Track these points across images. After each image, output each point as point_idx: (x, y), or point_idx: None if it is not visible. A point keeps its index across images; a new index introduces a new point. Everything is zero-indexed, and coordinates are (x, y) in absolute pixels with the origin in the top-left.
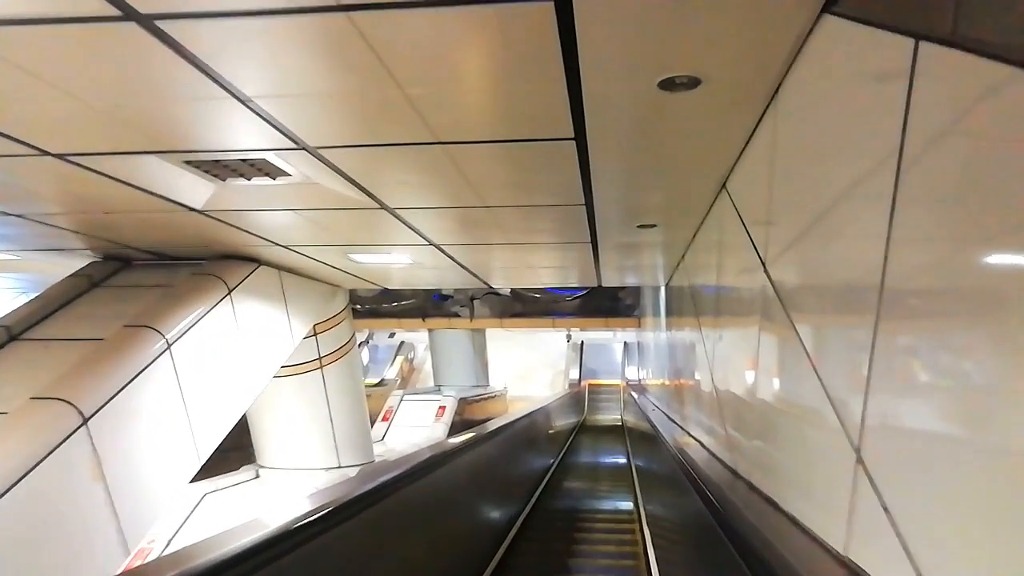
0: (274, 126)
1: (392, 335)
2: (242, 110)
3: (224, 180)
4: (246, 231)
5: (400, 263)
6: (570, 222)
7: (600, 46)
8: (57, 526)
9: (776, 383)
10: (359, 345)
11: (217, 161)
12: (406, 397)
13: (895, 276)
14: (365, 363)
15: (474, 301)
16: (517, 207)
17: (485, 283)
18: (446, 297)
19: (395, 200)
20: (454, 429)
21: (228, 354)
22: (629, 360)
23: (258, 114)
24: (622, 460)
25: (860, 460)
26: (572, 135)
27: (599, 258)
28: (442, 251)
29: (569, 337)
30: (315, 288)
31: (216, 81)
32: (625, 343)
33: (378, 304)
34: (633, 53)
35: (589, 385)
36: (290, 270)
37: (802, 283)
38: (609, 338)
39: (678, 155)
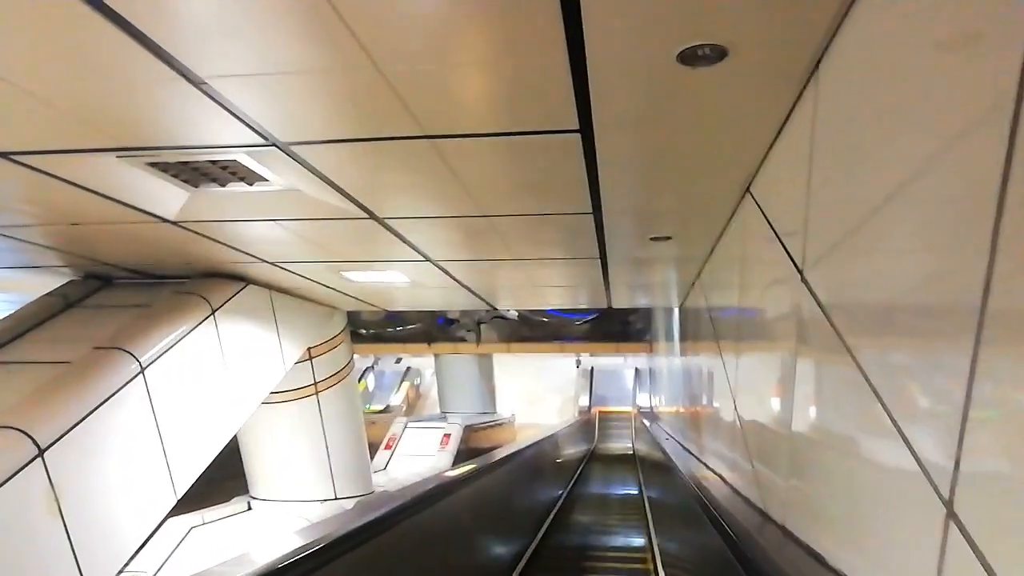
0: (234, 115)
1: (398, 360)
2: (197, 96)
3: (197, 186)
4: (228, 246)
5: (398, 283)
6: (577, 234)
7: (609, 8)
8: (7, 568)
9: (820, 414)
10: (364, 371)
11: (185, 164)
12: (410, 424)
13: (1003, 285)
14: (370, 389)
15: (481, 325)
16: (519, 216)
17: (490, 305)
18: (452, 321)
19: (385, 208)
20: (460, 458)
21: (210, 379)
22: (640, 387)
23: (215, 100)
24: (634, 491)
25: (952, 514)
26: (577, 126)
27: (609, 276)
28: (441, 268)
29: (579, 363)
30: (309, 310)
31: (164, 60)
32: (636, 369)
33: (382, 328)
34: (648, 16)
35: (599, 412)
36: (282, 290)
37: (860, 298)
38: (620, 364)
39: (697, 149)
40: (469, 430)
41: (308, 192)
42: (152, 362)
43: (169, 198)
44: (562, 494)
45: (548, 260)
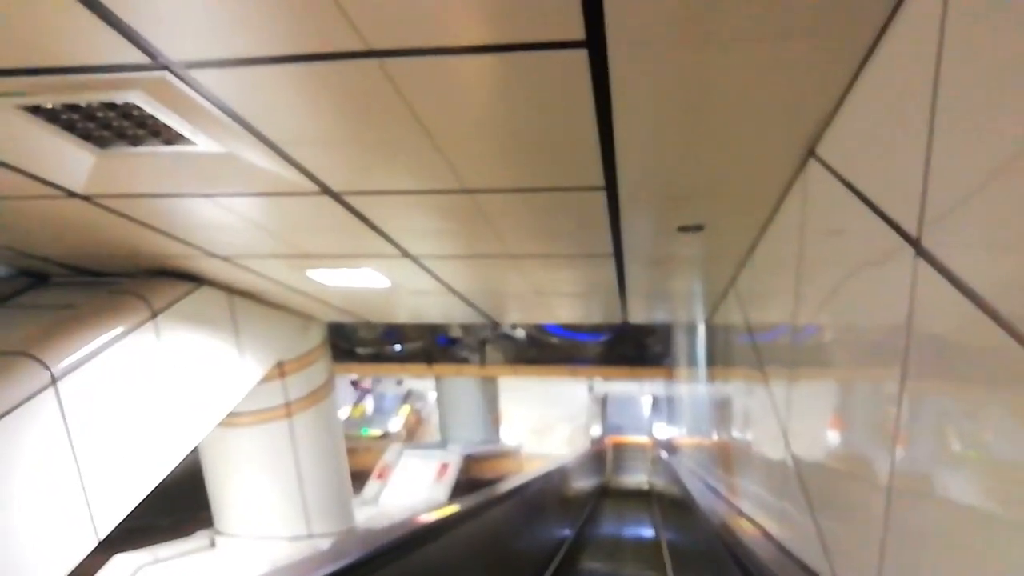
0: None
1: (400, 382)
2: None
3: (104, 147)
4: (159, 231)
5: (375, 286)
6: (587, 220)
7: None
8: None
9: (951, 465)
10: (364, 394)
11: (73, 109)
12: (405, 452)
13: None
14: (368, 413)
15: (485, 345)
16: (510, 193)
17: (488, 317)
18: (454, 340)
19: (338, 177)
20: (458, 490)
21: (147, 395)
22: (658, 415)
23: None
24: (649, 533)
25: None
26: (583, 36)
27: (625, 280)
28: (422, 266)
29: (591, 388)
30: (280, 319)
31: None
32: (654, 396)
33: (380, 347)
34: None
35: (613, 443)
36: (245, 294)
37: None
38: (635, 391)
39: (743, 93)
40: (469, 460)
41: (244, 157)
42: (68, 372)
43: (72, 163)
44: (570, 535)
45: (552, 257)
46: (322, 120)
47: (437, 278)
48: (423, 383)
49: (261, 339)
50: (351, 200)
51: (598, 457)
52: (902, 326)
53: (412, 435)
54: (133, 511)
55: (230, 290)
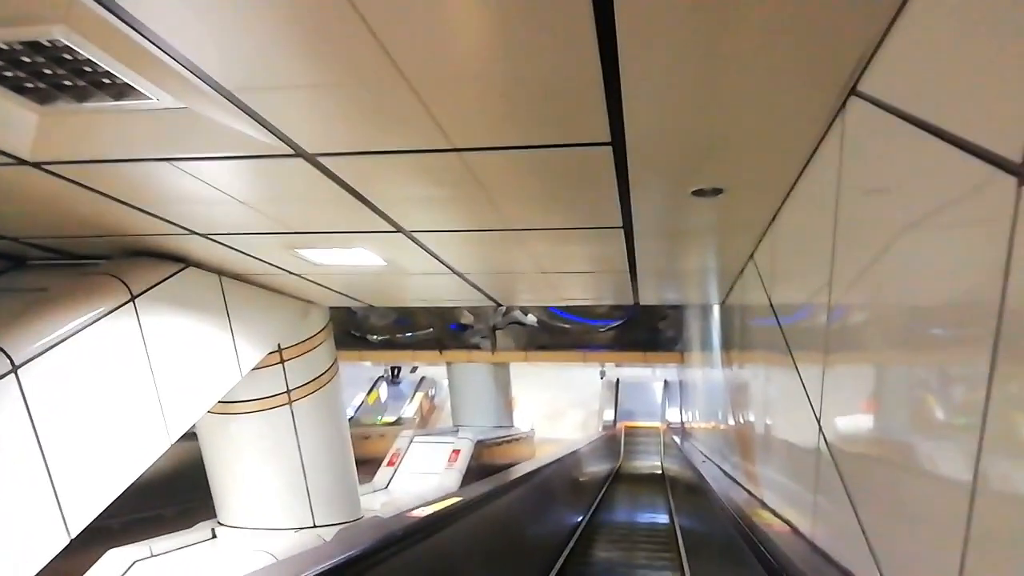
0: None
1: (414, 369)
2: None
3: (43, 103)
4: (130, 205)
5: (372, 266)
6: (591, 177)
7: None
8: None
9: None
10: (377, 380)
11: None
12: (416, 439)
13: None
14: (382, 400)
15: (496, 331)
16: (505, 151)
17: (493, 300)
18: (466, 327)
19: (310, 137)
20: (470, 476)
21: (126, 383)
22: (670, 401)
23: None
24: (663, 519)
25: None
26: None
27: (635, 256)
28: (417, 243)
29: (603, 374)
30: (277, 303)
31: None
32: (666, 381)
33: (392, 334)
34: None
35: (626, 427)
36: (236, 277)
37: None
38: (647, 376)
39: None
40: (481, 445)
41: (207, 114)
42: (31, 359)
43: (14, 124)
44: (582, 521)
45: (555, 231)
46: (281, 60)
47: (434, 256)
48: (437, 370)
49: (256, 324)
50: (327, 163)
51: (611, 442)
52: (993, 285)
53: (426, 422)
54: (136, 502)
55: (221, 272)
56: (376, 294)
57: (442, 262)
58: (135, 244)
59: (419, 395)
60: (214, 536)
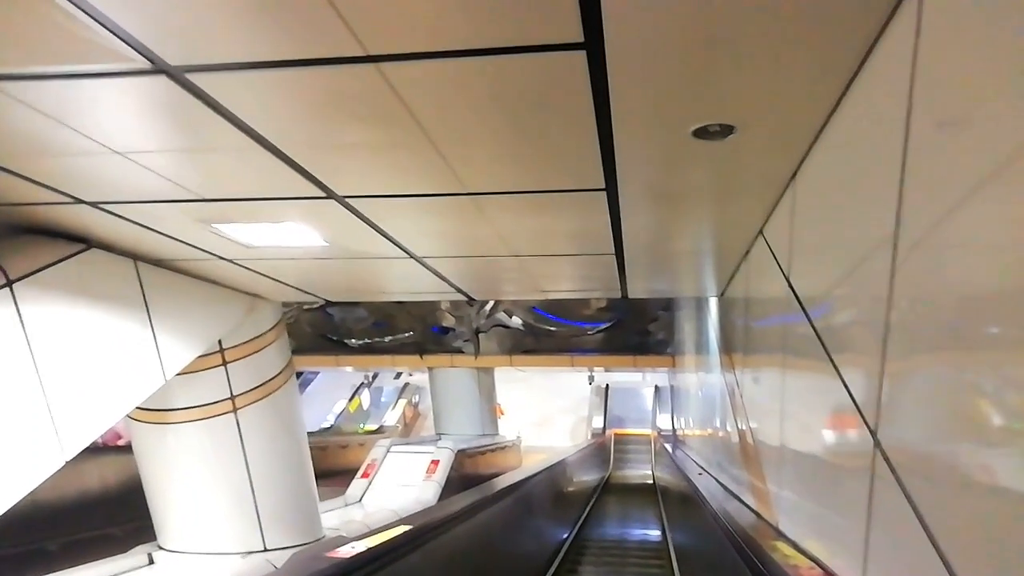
0: None
1: (398, 376)
2: None
3: None
4: None
5: (311, 248)
6: (561, 102)
7: None
8: None
9: None
10: (359, 386)
11: None
12: (393, 448)
13: None
14: (364, 407)
15: (479, 335)
16: (436, 58)
17: (460, 291)
18: (448, 330)
19: (179, 47)
20: (451, 487)
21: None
22: (661, 407)
23: None
24: (655, 534)
25: None
26: None
27: (621, 231)
28: (357, 214)
29: (591, 379)
30: (214, 295)
31: None
32: (656, 387)
33: (371, 338)
34: None
35: (615, 435)
36: (159, 262)
37: None
38: (638, 381)
39: None
40: (463, 455)
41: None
42: None
43: None
44: (568, 537)
45: (522, 197)
46: None
47: (381, 232)
48: (422, 376)
49: (186, 319)
50: (201, 85)
51: (600, 450)
52: None
53: (410, 429)
54: (79, 520)
55: (136, 257)
56: (331, 286)
57: (392, 241)
58: (20, 217)
59: (402, 402)
60: (151, 562)
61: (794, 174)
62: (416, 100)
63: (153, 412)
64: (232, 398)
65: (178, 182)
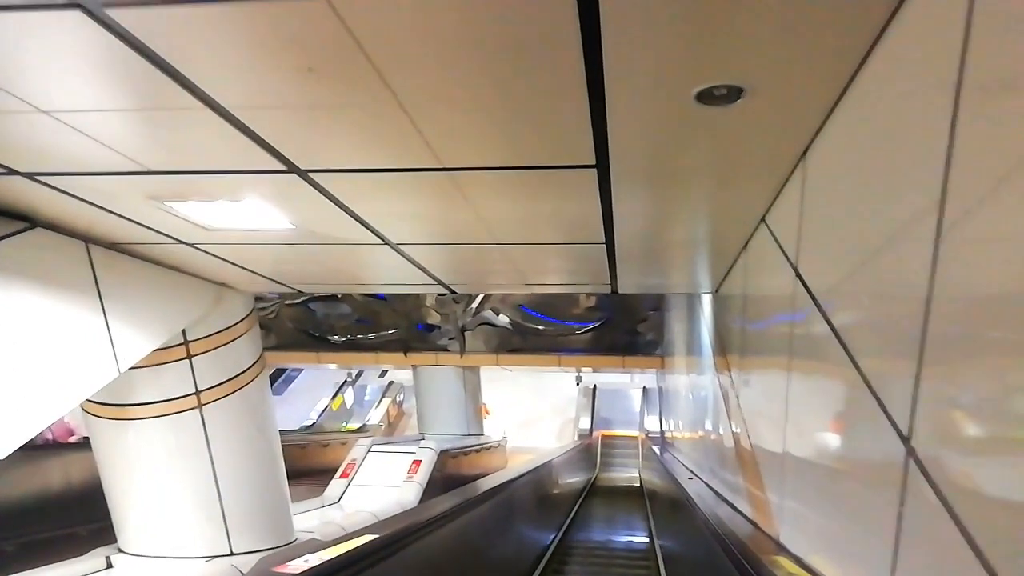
0: None
1: (383, 374)
2: None
3: None
4: None
5: (277, 232)
6: (545, 62)
7: None
8: None
9: None
10: (342, 384)
11: None
12: (374, 448)
13: None
14: (348, 406)
15: (465, 333)
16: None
17: (442, 284)
18: (433, 327)
19: None
20: (434, 489)
21: None
22: (649, 409)
23: None
24: (643, 538)
25: None
26: None
27: (612, 216)
28: (323, 191)
29: (579, 379)
30: (176, 283)
31: None
32: (644, 388)
33: (354, 335)
34: None
35: (602, 436)
36: (114, 246)
37: None
38: (626, 382)
39: None
40: (446, 455)
41: None
42: None
43: None
44: (552, 541)
45: (503, 175)
46: None
47: (351, 213)
48: (407, 374)
49: (142, 307)
50: (116, 18)
51: (586, 452)
52: None
53: (394, 428)
54: (41, 519)
55: (88, 239)
56: (303, 276)
57: (364, 224)
58: None
59: (386, 400)
60: (109, 566)
61: (805, 150)
62: (378, 49)
63: (112, 407)
64: (197, 393)
65: (120, 151)
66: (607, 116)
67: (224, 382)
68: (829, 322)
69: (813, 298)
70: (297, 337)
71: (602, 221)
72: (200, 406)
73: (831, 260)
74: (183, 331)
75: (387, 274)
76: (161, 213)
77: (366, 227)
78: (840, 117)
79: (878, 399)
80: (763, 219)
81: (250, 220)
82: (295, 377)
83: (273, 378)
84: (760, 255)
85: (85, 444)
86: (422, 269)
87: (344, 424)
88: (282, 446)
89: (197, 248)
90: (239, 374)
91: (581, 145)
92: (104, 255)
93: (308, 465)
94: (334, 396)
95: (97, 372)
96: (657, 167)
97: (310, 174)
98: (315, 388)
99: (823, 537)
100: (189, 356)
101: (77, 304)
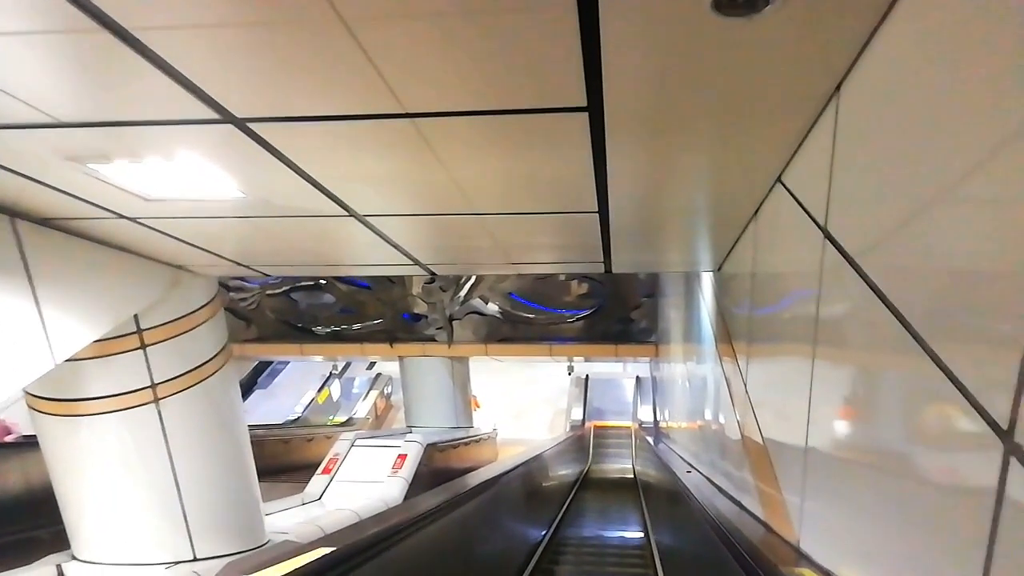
0: None
1: (371, 366)
2: None
3: None
4: None
5: (226, 202)
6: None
7: None
8: None
9: None
10: (328, 377)
11: None
12: (359, 441)
13: None
14: (334, 399)
15: (453, 322)
16: None
17: (419, 264)
18: (419, 317)
19: None
20: (420, 483)
21: None
22: (642, 399)
23: None
24: (638, 534)
25: None
26: None
27: (605, 167)
28: (259, 140)
29: (571, 369)
30: (121, 264)
31: None
32: (637, 378)
33: (338, 326)
34: None
35: (595, 427)
36: (46, 222)
37: None
38: (618, 372)
39: None
40: (433, 449)
41: None
42: None
43: None
44: (543, 537)
45: (477, 122)
46: None
47: (304, 176)
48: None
49: (83, 292)
50: None
51: (579, 443)
52: None
53: (382, 422)
54: (3, 521)
55: (14, 213)
56: (267, 257)
57: (323, 190)
58: None
59: (373, 393)
60: (60, 574)
61: (840, 83)
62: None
63: (60, 403)
64: (153, 386)
65: (13, 93)
66: (601, 41)
67: (183, 374)
68: (879, 294)
69: (854, 266)
70: (279, 328)
71: (594, 184)
72: (156, 400)
73: (878, 219)
74: (136, 319)
75: (360, 253)
76: (90, 181)
77: (326, 195)
78: (889, 33)
79: (959, 385)
80: (779, 179)
81: (193, 188)
82: (280, 370)
83: (258, 371)
84: (774, 222)
85: (26, 443)
86: (395, 246)
87: (330, 418)
88: (264, 441)
89: (140, 224)
90: (200, 365)
91: (569, 82)
92: (35, 232)
93: (292, 461)
94: (320, 389)
95: (28, 364)
96: (659, 110)
97: (248, 124)
98: (301, 382)
99: (864, 549)
100: (143, 346)
101: (2, 287)
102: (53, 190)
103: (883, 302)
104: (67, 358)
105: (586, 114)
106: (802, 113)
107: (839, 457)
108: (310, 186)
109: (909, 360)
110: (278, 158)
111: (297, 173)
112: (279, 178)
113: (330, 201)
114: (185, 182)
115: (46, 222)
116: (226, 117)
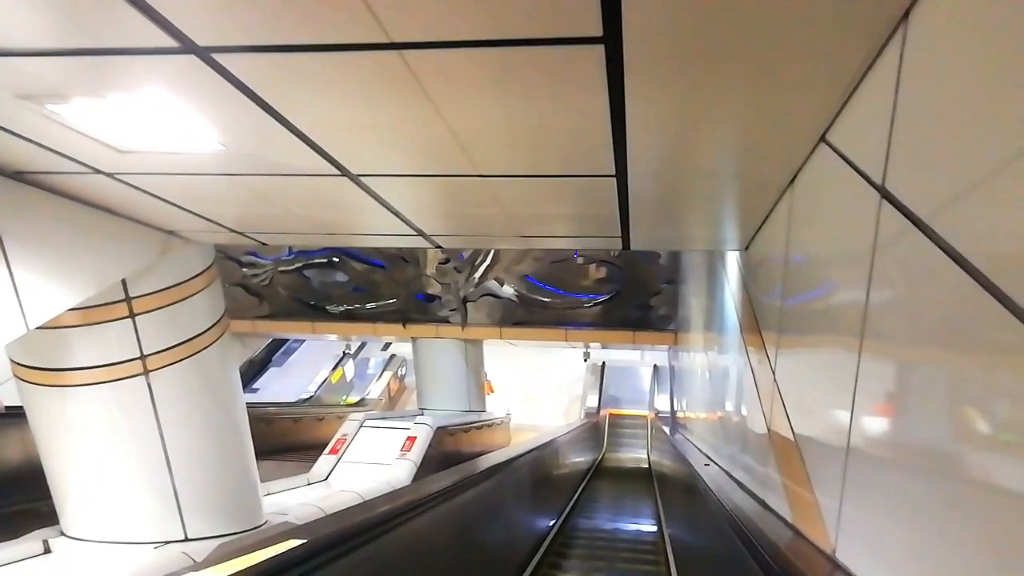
0: None
1: (386, 347)
2: None
3: None
4: None
5: (205, 155)
6: None
7: None
8: None
9: None
10: (343, 356)
11: None
12: (368, 422)
13: None
14: (348, 379)
15: (468, 304)
16: None
17: (422, 234)
18: (433, 298)
19: None
20: (430, 466)
21: None
22: (660, 388)
23: None
24: (651, 527)
25: None
26: None
27: (624, 119)
28: (229, 77)
29: (587, 356)
30: (105, 226)
31: None
32: (655, 366)
33: (351, 304)
34: None
35: (610, 415)
36: (18, 175)
37: None
38: (636, 360)
39: None
40: (443, 432)
41: None
42: None
43: None
44: (553, 526)
45: (478, 57)
46: None
47: (285, 123)
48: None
49: (60, 254)
50: None
51: (594, 430)
52: None
53: (394, 403)
54: (5, 494)
55: None
56: (259, 221)
57: (309, 142)
58: None
59: (387, 374)
60: (47, 551)
61: (907, 11)
62: None
63: (47, 372)
64: (143, 358)
65: None
66: None
67: (175, 346)
68: (963, 264)
69: (926, 232)
70: (291, 306)
71: (611, 139)
72: (146, 372)
73: (963, 167)
74: (124, 286)
75: (359, 221)
76: (56, 127)
77: (313, 148)
78: None
79: None
80: (823, 138)
81: (166, 137)
82: (296, 349)
83: (273, 349)
84: (815, 189)
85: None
86: (395, 213)
87: (343, 398)
88: (274, 419)
89: (119, 180)
90: (194, 337)
91: (582, 4)
92: (7, 186)
93: (302, 440)
94: (334, 368)
95: (6, 327)
96: (685, 41)
97: (212, 54)
98: (316, 361)
99: (925, 569)
100: (132, 315)
101: None
102: (19, 138)
103: (968, 273)
104: (43, 324)
105: (602, 46)
106: (861, 47)
107: (888, 460)
108: (293, 136)
109: (1005, 342)
110: (252, 99)
111: (278, 120)
112: (259, 127)
113: (318, 156)
114: (156, 129)
115: (19, 176)
116: (186, 45)
